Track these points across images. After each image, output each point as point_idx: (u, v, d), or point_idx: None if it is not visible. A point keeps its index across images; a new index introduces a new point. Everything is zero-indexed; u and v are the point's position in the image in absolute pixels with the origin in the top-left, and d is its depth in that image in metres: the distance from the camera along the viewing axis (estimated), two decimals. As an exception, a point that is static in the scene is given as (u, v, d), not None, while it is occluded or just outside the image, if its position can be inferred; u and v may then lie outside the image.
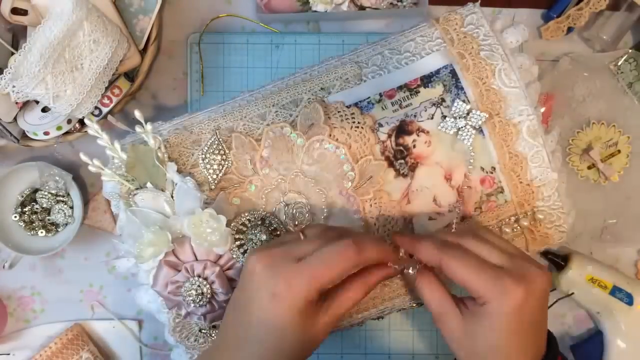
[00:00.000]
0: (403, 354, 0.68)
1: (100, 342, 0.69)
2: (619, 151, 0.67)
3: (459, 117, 0.50)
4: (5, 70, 0.55)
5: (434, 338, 0.69)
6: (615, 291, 0.64)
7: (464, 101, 0.50)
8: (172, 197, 0.50)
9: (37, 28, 0.55)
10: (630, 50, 0.67)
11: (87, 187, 0.68)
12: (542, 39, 0.68)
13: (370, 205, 0.51)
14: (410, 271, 0.46)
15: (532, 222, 0.52)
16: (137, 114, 0.49)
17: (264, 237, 0.49)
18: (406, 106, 0.51)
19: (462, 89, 0.51)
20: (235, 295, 0.46)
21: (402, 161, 0.51)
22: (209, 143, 0.51)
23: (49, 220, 0.66)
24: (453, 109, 0.50)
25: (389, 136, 0.51)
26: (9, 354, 0.68)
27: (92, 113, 0.60)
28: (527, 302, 0.41)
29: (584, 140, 0.67)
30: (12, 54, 0.59)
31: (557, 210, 0.51)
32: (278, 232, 0.50)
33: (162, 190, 0.50)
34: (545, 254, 0.66)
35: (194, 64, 0.67)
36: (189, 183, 0.49)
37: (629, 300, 0.64)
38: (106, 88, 0.59)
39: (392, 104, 0.51)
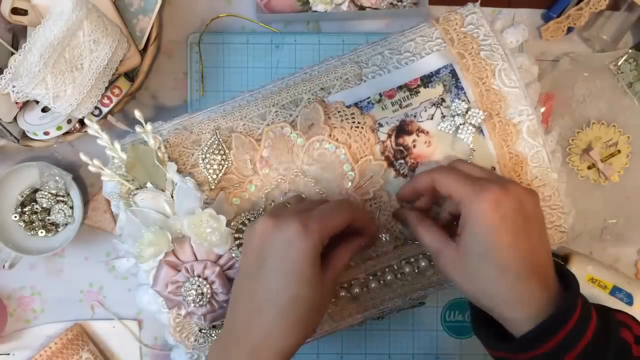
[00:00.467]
0: (403, 354, 0.69)
1: (100, 342, 0.69)
2: (619, 151, 0.67)
3: (457, 116, 0.50)
4: (5, 70, 0.55)
5: (434, 338, 0.69)
6: (615, 291, 0.64)
7: (463, 101, 0.50)
8: (172, 197, 0.50)
9: (37, 28, 0.55)
10: (630, 50, 0.67)
11: (87, 187, 0.68)
12: (542, 39, 0.68)
13: (370, 205, 0.51)
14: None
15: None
16: (137, 114, 0.49)
17: (264, 237, 0.49)
18: (406, 106, 0.51)
19: (462, 89, 0.51)
20: (245, 265, 0.45)
21: (402, 161, 0.51)
22: (209, 143, 0.51)
23: (49, 220, 0.66)
24: (452, 107, 0.50)
25: (389, 136, 0.51)
26: (9, 354, 0.68)
27: (92, 113, 0.60)
28: (503, 199, 0.42)
29: (584, 140, 0.67)
30: (12, 54, 0.59)
31: (557, 210, 0.51)
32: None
33: (162, 190, 0.50)
34: (545, 254, 0.66)
35: (194, 64, 0.67)
36: (189, 183, 0.49)
37: (629, 300, 0.64)
38: (106, 88, 0.59)
39: (392, 104, 0.51)
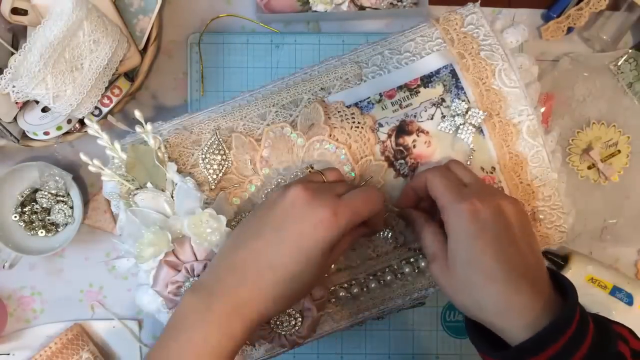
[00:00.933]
0: (403, 354, 0.69)
1: (100, 342, 0.69)
2: (619, 151, 0.67)
3: (457, 116, 0.50)
4: (5, 70, 0.55)
5: (434, 338, 0.69)
6: (615, 291, 0.65)
7: (463, 101, 0.50)
8: (172, 197, 0.50)
9: (37, 28, 0.55)
10: (630, 50, 0.67)
11: (87, 187, 0.68)
12: (542, 39, 0.68)
13: (370, 205, 0.51)
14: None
15: (532, 222, 0.52)
16: (137, 114, 0.49)
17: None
18: (406, 106, 0.51)
19: (462, 89, 0.51)
20: (258, 221, 0.44)
21: (402, 161, 0.51)
22: (209, 143, 0.51)
23: (49, 220, 0.66)
24: (452, 107, 0.50)
25: (389, 136, 0.51)
26: (9, 354, 0.68)
27: (92, 113, 0.60)
28: (480, 210, 0.42)
29: (584, 140, 0.67)
30: (12, 54, 0.59)
31: (557, 210, 0.51)
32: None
33: (162, 190, 0.50)
34: (545, 254, 0.66)
35: (194, 64, 0.67)
36: (189, 183, 0.50)
37: (628, 300, 0.64)
38: (106, 88, 0.59)
39: (392, 104, 0.51)
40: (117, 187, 0.51)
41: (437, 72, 0.51)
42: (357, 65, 0.52)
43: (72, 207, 0.66)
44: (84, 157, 0.50)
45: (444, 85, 0.51)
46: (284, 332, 0.49)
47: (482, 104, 0.50)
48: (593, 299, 0.65)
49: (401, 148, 0.51)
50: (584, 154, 0.67)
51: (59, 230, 0.67)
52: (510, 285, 0.41)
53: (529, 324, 0.40)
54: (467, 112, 0.50)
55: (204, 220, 0.48)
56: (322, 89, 0.52)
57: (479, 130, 0.50)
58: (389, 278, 0.51)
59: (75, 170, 0.67)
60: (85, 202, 0.67)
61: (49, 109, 0.59)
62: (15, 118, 0.61)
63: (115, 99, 0.61)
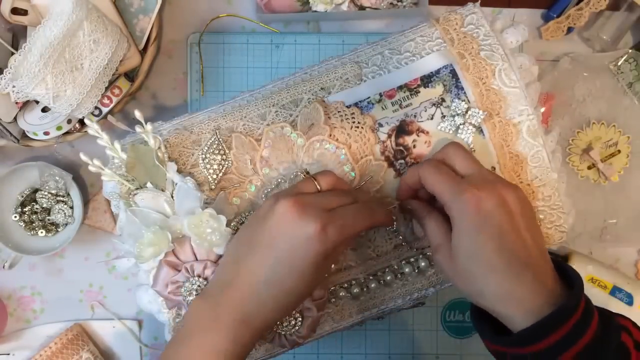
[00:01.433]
0: (403, 354, 0.69)
1: (100, 342, 0.69)
2: (619, 151, 0.67)
3: (457, 116, 0.50)
4: (5, 70, 0.55)
5: (434, 338, 0.69)
6: (615, 291, 0.65)
7: (463, 101, 0.50)
8: (172, 197, 0.50)
9: (37, 28, 0.55)
10: (630, 50, 0.67)
11: (87, 187, 0.68)
12: (542, 39, 0.68)
13: (370, 205, 0.51)
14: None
15: (532, 222, 0.52)
16: (137, 114, 0.49)
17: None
18: (406, 106, 0.51)
19: (462, 89, 0.51)
20: (251, 236, 0.45)
21: (402, 161, 0.51)
22: (209, 143, 0.51)
23: (49, 220, 0.66)
24: (452, 107, 0.50)
25: (389, 136, 0.51)
26: (9, 354, 0.68)
27: (92, 113, 0.60)
28: (483, 200, 0.42)
29: (584, 140, 0.67)
30: (12, 54, 0.59)
31: (557, 210, 0.51)
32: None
33: (162, 190, 0.50)
34: (545, 254, 0.66)
35: (194, 64, 0.67)
36: (189, 183, 0.50)
37: (629, 300, 0.65)
38: (106, 88, 0.59)
39: (392, 104, 0.51)
40: (117, 187, 0.51)
41: (437, 72, 0.51)
42: (357, 65, 0.52)
43: (72, 207, 0.66)
44: (84, 157, 0.50)
45: (444, 85, 0.51)
46: (284, 332, 0.49)
47: (482, 104, 0.50)
48: (593, 299, 0.63)
49: (401, 148, 0.51)
50: (584, 154, 0.67)
51: (59, 230, 0.67)
52: (512, 276, 0.42)
53: (532, 311, 0.41)
54: (467, 112, 0.50)
55: (204, 220, 0.48)
56: (322, 89, 0.52)
57: (479, 130, 0.50)
58: (389, 278, 0.51)
59: (75, 170, 0.67)
60: (85, 202, 0.67)
61: (49, 109, 0.59)
62: (15, 118, 0.61)
63: (115, 99, 0.61)
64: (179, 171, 0.51)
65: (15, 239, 0.65)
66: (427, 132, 0.51)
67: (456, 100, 0.50)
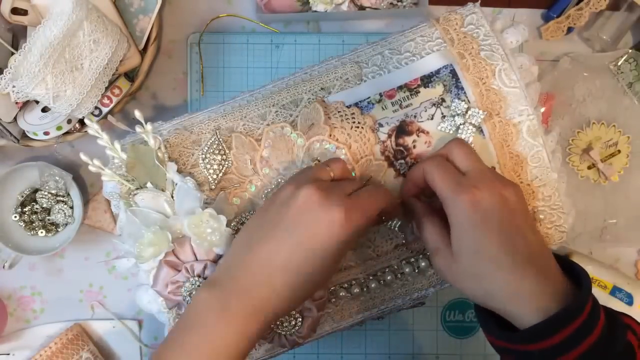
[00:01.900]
0: (403, 354, 0.69)
1: (100, 342, 0.69)
2: (619, 151, 0.67)
3: (458, 116, 0.50)
4: (5, 70, 0.55)
5: (434, 338, 0.69)
6: (615, 291, 0.65)
7: (463, 101, 0.50)
8: (172, 197, 0.50)
9: (37, 28, 0.55)
10: (630, 50, 0.67)
11: (87, 187, 0.68)
12: (542, 39, 0.68)
13: (371, 205, 0.51)
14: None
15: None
16: (137, 114, 0.49)
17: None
18: (406, 106, 0.51)
19: (462, 89, 0.51)
20: (270, 221, 0.44)
21: (402, 161, 0.51)
22: (209, 143, 0.51)
23: (49, 220, 0.66)
24: (452, 107, 0.50)
25: (389, 136, 0.51)
26: (9, 354, 0.68)
27: (92, 113, 0.60)
28: (483, 199, 0.42)
29: (584, 140, 0.67)
30: (12, 54, 0.59)
31: (557, 210, 0.51)
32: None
33: (162, 190, 0.50)
34: (545, 254, 0.66)
35: (194, 64, 0.67)
36: (189, 183, 0.50)
37: (629, 300, 0.65)
38: (106, 88, 0.59)
39: (392, 104, 0.51)
40: (117, 187, 0.51)
41: (437, 72, 0.51)
42: (357, 65, 0.52)
43: (72, 207, 0.66)
44: (84, 157, 0.50)
45: (444, 85, 0.51)
46: (284, 332, 0.49)
47: (482, 104, 0.50)
48: (593, 299, 0.65)
49: (401, 148, 0.51)
50: (584, 154, 0.67)
51: (59, 230, 0.67)
52: (517, 272, 0.42)
53: (540, 308, 0.41)
54: (467, 112, 0.50)
55: (204, 220, 0.48)
56: (322, 89, 0.52)
57: (479, 130, 0.50)
58: (389, 278, 0.51)
59: (75, 170, 0.67)
60: (85, 202, 0.67)
61: (49, 109, 0.59)
62: (15, 118, 0.61)
63: (115, 99, 0.61)
64: (179, 171, 0.51)
65: (15, 239, 0.65)
66: (427, 132, 0.51)
67: (456, 100, 0.50)
